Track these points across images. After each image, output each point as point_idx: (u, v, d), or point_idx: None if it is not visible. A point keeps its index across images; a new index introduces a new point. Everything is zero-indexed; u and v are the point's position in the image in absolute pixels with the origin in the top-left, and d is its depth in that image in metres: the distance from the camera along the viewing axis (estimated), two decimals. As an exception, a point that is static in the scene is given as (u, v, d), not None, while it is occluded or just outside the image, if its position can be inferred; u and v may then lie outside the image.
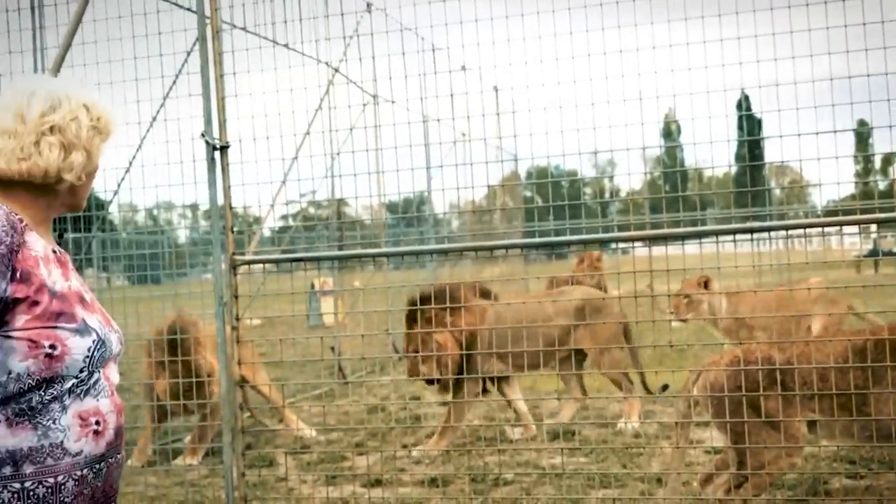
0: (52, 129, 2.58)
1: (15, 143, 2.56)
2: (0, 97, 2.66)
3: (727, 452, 5.62)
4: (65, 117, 2.60)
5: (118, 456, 2.66)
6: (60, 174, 2.61)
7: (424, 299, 7.80)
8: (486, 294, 8.30)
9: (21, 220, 2.56)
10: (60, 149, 2.59)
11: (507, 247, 7.20)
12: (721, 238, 5.21)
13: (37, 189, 2.63)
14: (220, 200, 5.59)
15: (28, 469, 2.42)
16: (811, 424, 5.38)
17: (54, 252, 2.64)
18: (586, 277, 14.83)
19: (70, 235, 8.56)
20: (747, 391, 5.16)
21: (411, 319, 8.06)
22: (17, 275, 2.46)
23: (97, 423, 2.54)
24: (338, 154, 9.50)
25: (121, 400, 2.70)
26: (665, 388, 8.52)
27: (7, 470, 2.41)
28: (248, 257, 5.83)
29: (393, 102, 8.09)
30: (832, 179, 4.96)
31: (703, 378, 5.51)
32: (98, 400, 2.56)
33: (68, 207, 2.77)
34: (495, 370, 8.03)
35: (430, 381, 8.27)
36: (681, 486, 5.85)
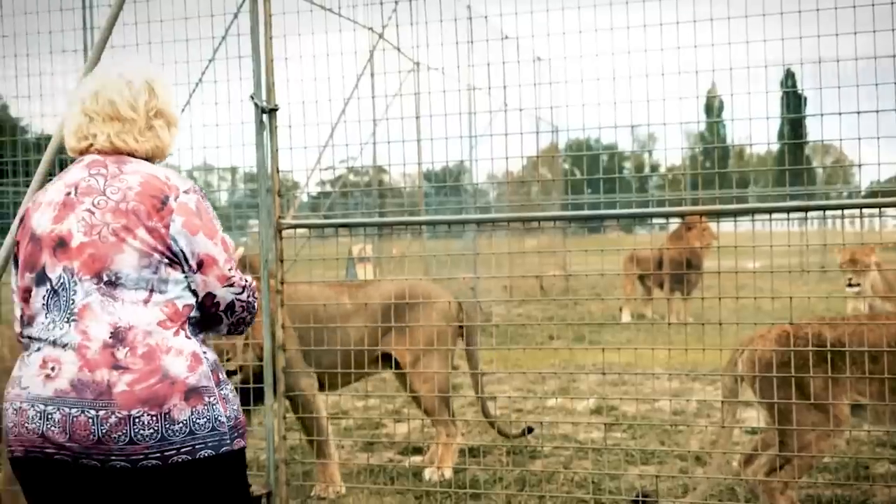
0: (157, 112, 2.95)
1: (124, 127, 2.90)
2: (93, 81, 2.94)
3: (769, 432, 5.55)
4: (164, 99, 2.97)
5: (91, 412, 2.62)
6: (169, 150, 3.02)
7: None
8: None
9: None
10: (168, 128, 3.00)
11: (546, 219, 7.17)
12: (775, 216, 5.11)
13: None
14: (268, 163, 5.56)
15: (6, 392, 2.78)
16: (855, 407, 5.30)
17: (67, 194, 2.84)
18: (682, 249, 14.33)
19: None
20: (794, 369, 5.07)
21: None
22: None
23: (52, 368, 2.67)
24: (385, 120, 9.43)
25: (96, 357, 2.67)
26: (529, 430, 6.91)
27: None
28: (293, 221, 5.81)
29: (438, 70, 8.00)
30: (877, 160, 4.84)
31: (749, 354, 5.42)
32: (65, 350, 2.68)
33: None
34: None
35: None
36: (723, 465, 5.79)
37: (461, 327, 6.89)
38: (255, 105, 5.46)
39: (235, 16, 7.18)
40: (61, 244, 2.74)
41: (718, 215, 5.34)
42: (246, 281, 2.93)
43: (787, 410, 5.12)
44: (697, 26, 4.80)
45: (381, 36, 10.63)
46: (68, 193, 2.80)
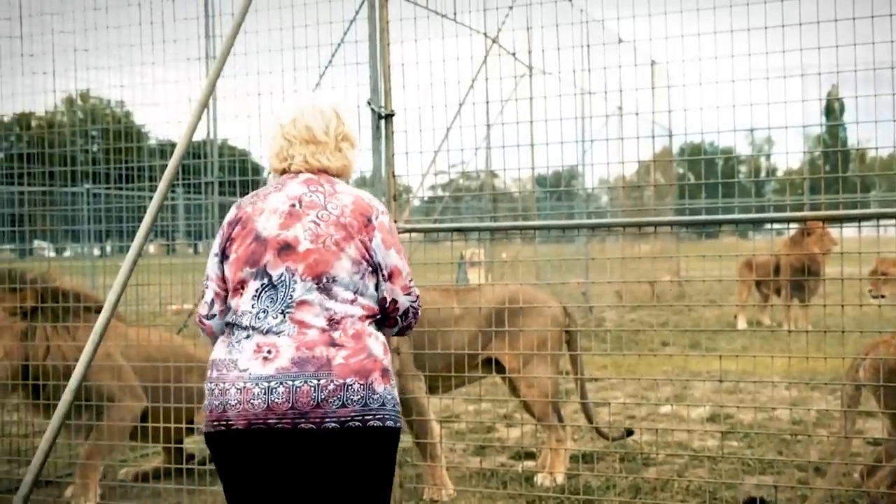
0: (344, 137, 3.45)
1: (318, 149, 3.40)
2: (290, 108, 3.45)
3: (891, 442, 5.38)
4: (348, 125, 3.46)
5: (314, 381, 3.09)
6: (353, 168, 3.52)
7: None
8: None
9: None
10: (352, 149, 3.49)
11: (662, 223, 7.04)
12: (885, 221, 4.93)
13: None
14: (383, 169, 5.61)
15: (213, 374, 3.22)
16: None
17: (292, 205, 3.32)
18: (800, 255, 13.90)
19: (215, 198, 8.79)
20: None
21: None
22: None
23: (269, 351, 3.13)
24: (498, 124, 9.43)
25: (315, 339, 3.15)
26: (629, 433, 6.87)
27: (208, 372, 3.25)
28: (406, 225, 5.86)
29: (551, 74, 7.97)
30: None
31: (872, 361, 5.25)
32: (279, 337, 3.14)
33: None
34: None
35: None
36: (842, 476, 5.63)
37: (566, 332, 6.88)
38: (372, 110, 5.52)
39: (352, 22, 7.28)
40: (287, 248, 3.22)
41: (842, 220, 5.20)
42: (418, 292, 3.45)
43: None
44: (821, 27, 4.69)
45: (494, 41, 10.64)
46: (293, 205, 3.30)
